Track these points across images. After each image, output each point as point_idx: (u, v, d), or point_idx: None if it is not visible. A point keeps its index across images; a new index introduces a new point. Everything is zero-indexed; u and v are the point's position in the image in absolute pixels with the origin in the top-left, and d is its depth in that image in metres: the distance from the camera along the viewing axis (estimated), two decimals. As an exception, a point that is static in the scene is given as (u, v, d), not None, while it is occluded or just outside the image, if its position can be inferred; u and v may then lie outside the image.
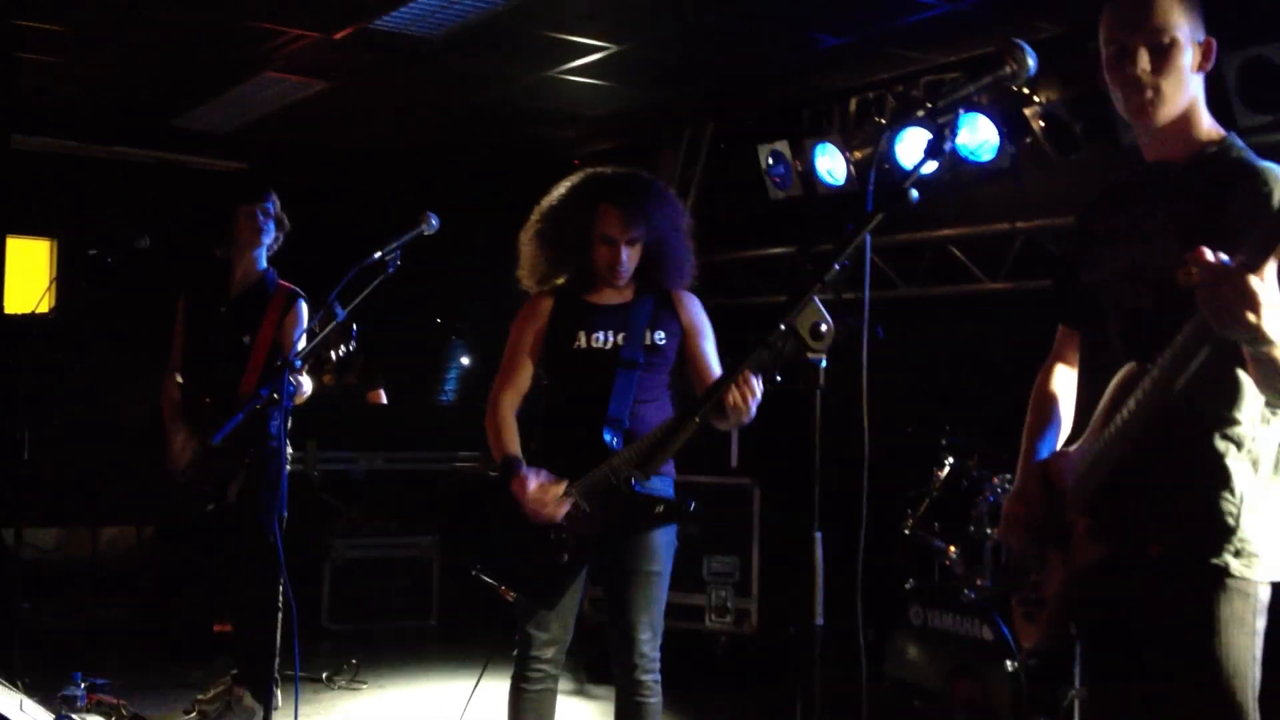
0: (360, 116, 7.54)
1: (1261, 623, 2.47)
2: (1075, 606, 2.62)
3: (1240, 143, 2.59)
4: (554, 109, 7.17)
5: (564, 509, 3.74)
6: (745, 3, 5.38)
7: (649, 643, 3.82)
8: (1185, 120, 2.59)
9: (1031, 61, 2.36)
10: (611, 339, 3.89)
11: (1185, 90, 2.56)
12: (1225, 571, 2.43)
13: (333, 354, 4.03)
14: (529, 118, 7.38)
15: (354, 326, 4.05)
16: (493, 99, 6.97)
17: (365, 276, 4.06)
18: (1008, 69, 2.36)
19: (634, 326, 3.91)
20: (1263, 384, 2.35)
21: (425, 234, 4.15)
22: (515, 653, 3.88)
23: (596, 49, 5.98)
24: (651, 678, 3.82)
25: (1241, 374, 2.42)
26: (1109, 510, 2.51)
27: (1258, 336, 2.16)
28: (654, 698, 3.83)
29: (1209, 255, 2.11)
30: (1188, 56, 2.54)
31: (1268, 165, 2.49)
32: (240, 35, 5.88)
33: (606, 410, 3.81)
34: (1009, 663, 4.51)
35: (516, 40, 5.86)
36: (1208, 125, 2.61)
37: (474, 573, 3.84)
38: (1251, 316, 2.11)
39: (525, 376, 4.00)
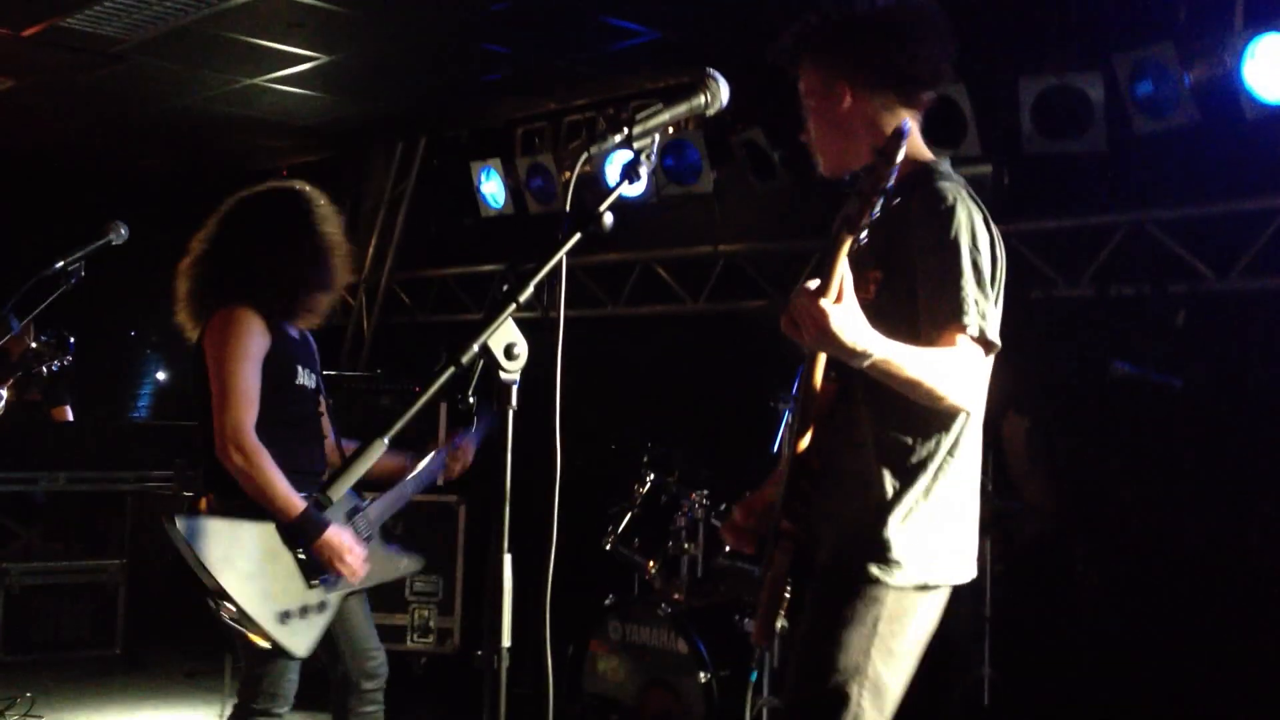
0: (52, 118, 7.14)
1: (897, 626, 2.59)
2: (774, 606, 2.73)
3: (943, 168, 2.70)
4: (260, 117, 6.96)
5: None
6: (454, 21, 5.38)
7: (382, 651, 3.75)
8: None
9: (724, 92, 2.44)
10: (314, 378, 3.73)
11: (846, 134, 2.71)
12: (864, 577, 2.56)
13: (45, 368, 3.81)
14: (233, 125, 7.14)
15: (70, 340, 3.84)
16: (192, 105, 6.71)
17: (46, 286, 3.84)
18: (702, 99, 2.44)
19: (314, 365, 3.75)
20: (912, 397, 2.50)
21: (114, 244, 3.96)
22: (245, 699, 3.59)
23: (305, 58, 5.84)
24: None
25: (893, 392, 2.53)
26: (794, 517, 2.62)
27: (840, 349, 2.33)
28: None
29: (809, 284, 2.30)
30: (834, 105, 2.71)
31: (939, 185, 2.60)
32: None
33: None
34: (702, 674, 4.63)
35: (218, 46, 5.66)
36: (915, 153, 2.70)
37: (228, 619, 3.46)
38: (816, 331, 2.30)
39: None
